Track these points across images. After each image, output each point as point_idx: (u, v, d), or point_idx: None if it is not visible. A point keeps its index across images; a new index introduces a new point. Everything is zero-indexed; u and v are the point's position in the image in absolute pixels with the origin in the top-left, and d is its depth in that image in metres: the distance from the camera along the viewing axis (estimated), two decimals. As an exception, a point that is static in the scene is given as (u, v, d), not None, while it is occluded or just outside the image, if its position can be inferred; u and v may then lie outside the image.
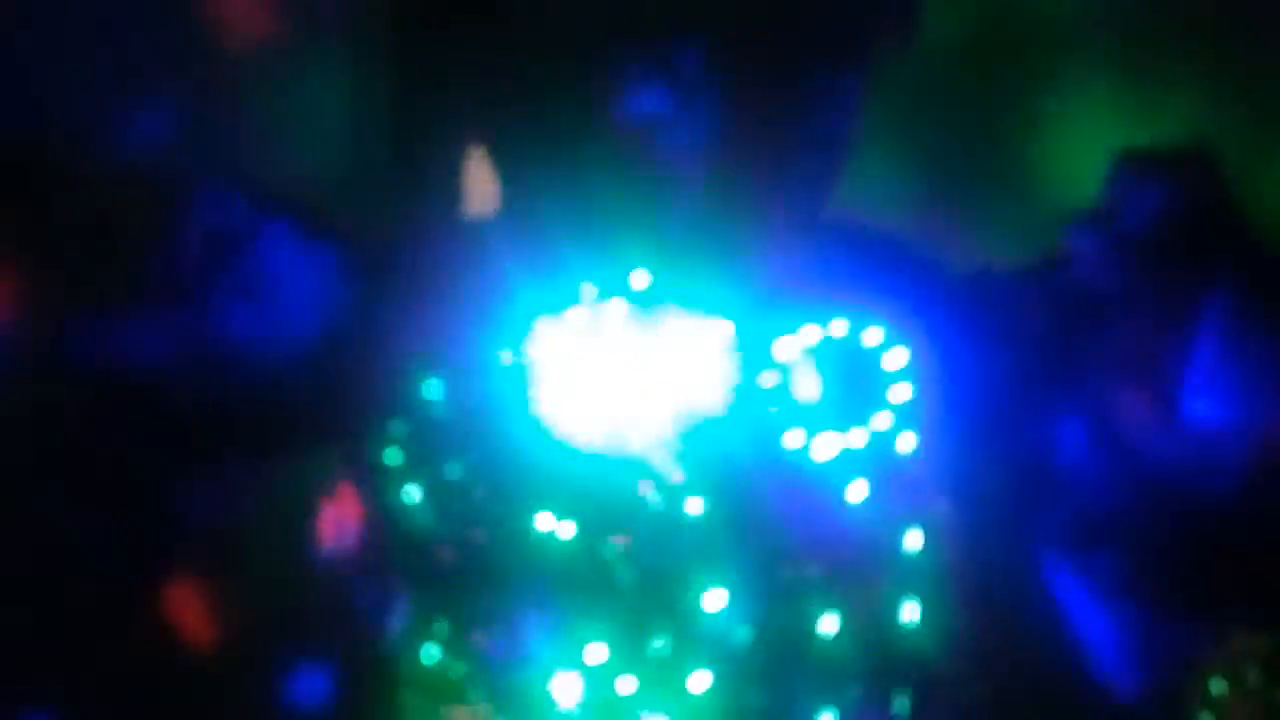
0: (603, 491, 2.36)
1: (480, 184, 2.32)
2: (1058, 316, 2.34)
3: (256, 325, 2.22)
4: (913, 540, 2.39)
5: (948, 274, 2.43)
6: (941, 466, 2.38)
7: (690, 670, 2.34)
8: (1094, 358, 2.31)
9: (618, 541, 2.34)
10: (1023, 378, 2.36)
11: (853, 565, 2.39)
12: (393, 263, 2.29)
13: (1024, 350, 2.36)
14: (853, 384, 2.38)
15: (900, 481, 2.40)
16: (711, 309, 2.35)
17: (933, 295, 2.37)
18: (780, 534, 2.38)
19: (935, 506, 2.40)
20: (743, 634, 2.36)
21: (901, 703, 2.36)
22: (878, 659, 2.37)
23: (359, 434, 2.31)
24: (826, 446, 2.35)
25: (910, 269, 2.39)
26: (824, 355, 2.37)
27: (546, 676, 2.30)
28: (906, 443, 2.40)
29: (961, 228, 2.42)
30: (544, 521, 2.33)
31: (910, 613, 2.37)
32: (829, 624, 2.36)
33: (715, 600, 2.35)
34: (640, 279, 2.35)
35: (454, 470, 2.34)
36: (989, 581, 2.35)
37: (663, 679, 2.33)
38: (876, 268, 2.39)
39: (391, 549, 2.31)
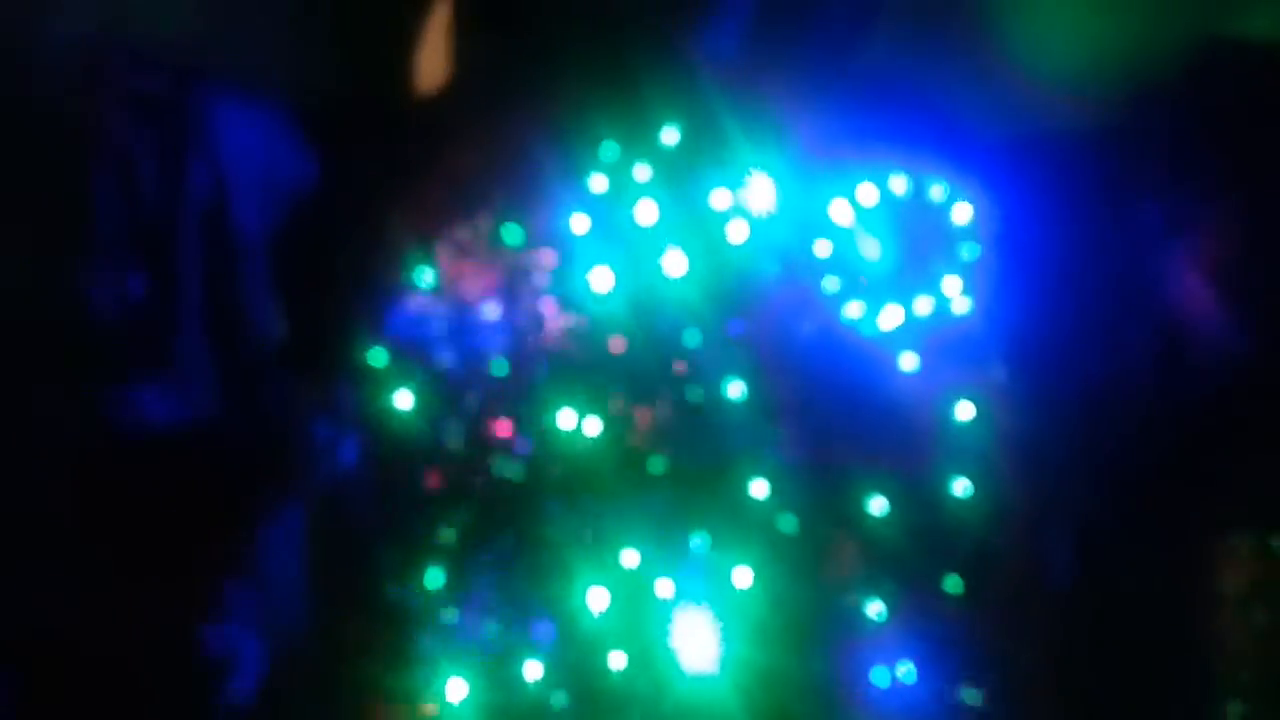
0: (631, 375, 2.08)
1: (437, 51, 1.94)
2: (1118, 186, 2.13)
3: (212, 189, 1.84)
4: (964, 411, 2.19)
5: (999, 137, 2.15)
6: (997, 331, 2.15)
7: (732, 565, 2.14)
8: (1156, 233, 2.13)
9: (647, 429, 2.08)
10: (1082, 244, 2.13)
11: (902, 441, 2.18)
12: (363, 138, 1.91)
13: (1083, 217, 2.13)
14: (915, 245, 2.12)
15: (954, 349, 2.18)
16: (753, 173, 2.04)
17: (985, 156, 2.10)
18: (826, 414, 2.15)
19: (990, 374, 2.19)
20: (786, 522, 2.16)
21: (953, 582, 2.21)
22: (927, 539, 2.21)
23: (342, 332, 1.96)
24: (890, 317, 2.10)
25: (959, 130, 2.10)
26: (882, 216, 2.09)
27: (577, 583, 2.07)
28: (963, 306, 2.16)
29: (1006, 92, 2.12)
30: (566, 419, 2.06)
31: (961, 488, 2.20)
32: (877, 505, 2.18)
33: (758, 488, 2.13)
34: (670, 135, 2.01)
35: (446, 359, 2.03)
36: (1044, 455, 2.17)
37: (704, 577, 2.13)
38: (924, 127, 2.09)
39: (383, 468, 2.01)
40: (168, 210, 1.77)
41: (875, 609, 2.17)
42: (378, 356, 2.00)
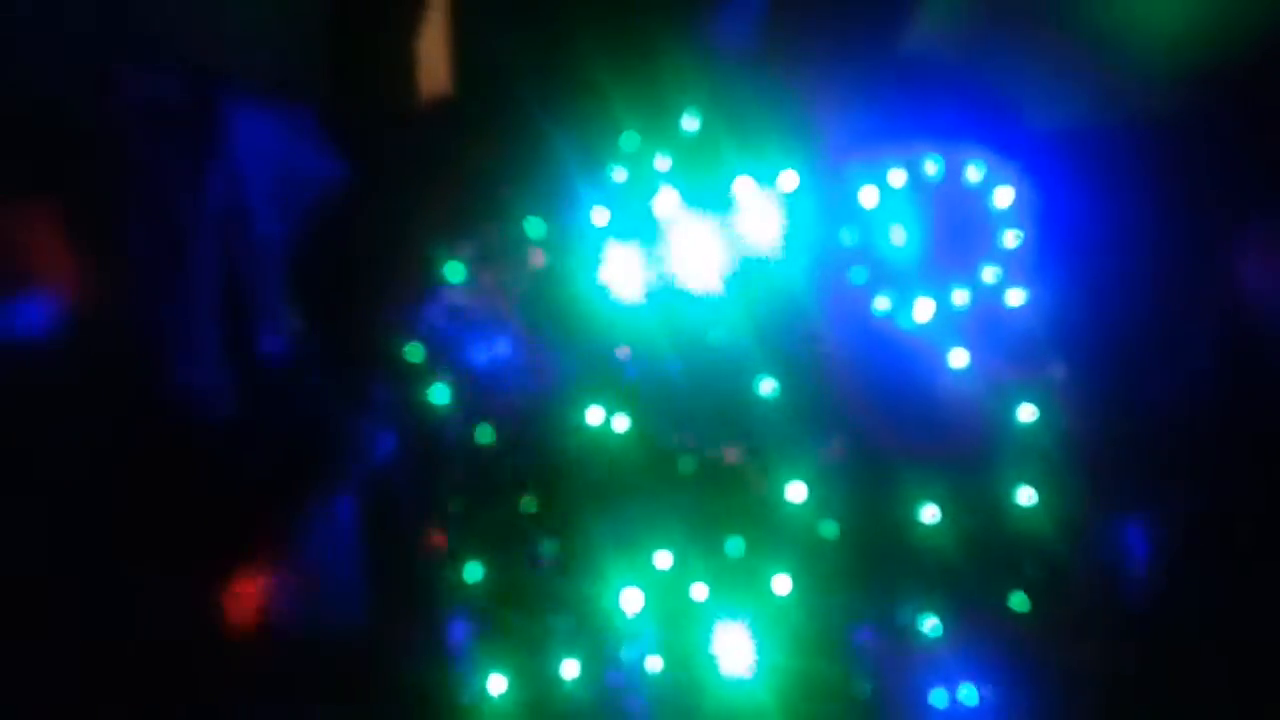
0: (660, 372, 2.06)
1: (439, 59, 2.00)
2: (1184, 176, 1.95)
3: (239, 195, 1.95)
4: (1026, 413, 2.04)
5: (1057, 123, 2.02)
6: (1056, 327, 2.00)
7: (771, 572, 2.06)
8: (1223, 225, 1.94)
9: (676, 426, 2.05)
10: (1147, 236, 1.97)
11: (955, 444, 2.05)
12: (386, 137, 1.99)
13: (1148, 208, 1.96)
14: (951, 233, 2.01)
15: (1009, 345, 2.04)
16: (776, 162, 1.99)
17: (1040, 143, 1.97)
18: (869, 412, 2.05)
19: (1050, 373, 2.04)
20: (829, 529, 2.06)
21: (1019, 599, 2.04)
22: (988, 552, 2.05)
23: (376, 329, 2.03)
24: (923, 309, 1.99)
25: (1009, 115, 1.99)
26: (914, 202, 2.00)
27: (610, 586, 2.04)
28: (1016, 298, 2.02)
29: (1044, 82, 1.99)
30: (595, 415, 2.05)
31: (1026, 497, 2.04)
32: (929, 514, 2.05)
33: (796, 492, 2.05)
34: (690, 122, 1.99)
35: (480, 357, 2.06)
36: (1115, 461, 1.99)
37: (740, 583, 2.06)
38: (969, 109, 1.98)
39: (426, 459, 2.05)
40: (186, 215, 1.88)
41: (930, 624, 2.03)
42: (414, 352, 2.06)
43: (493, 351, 2.05)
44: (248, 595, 2.02)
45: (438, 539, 2.07)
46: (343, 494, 2.05)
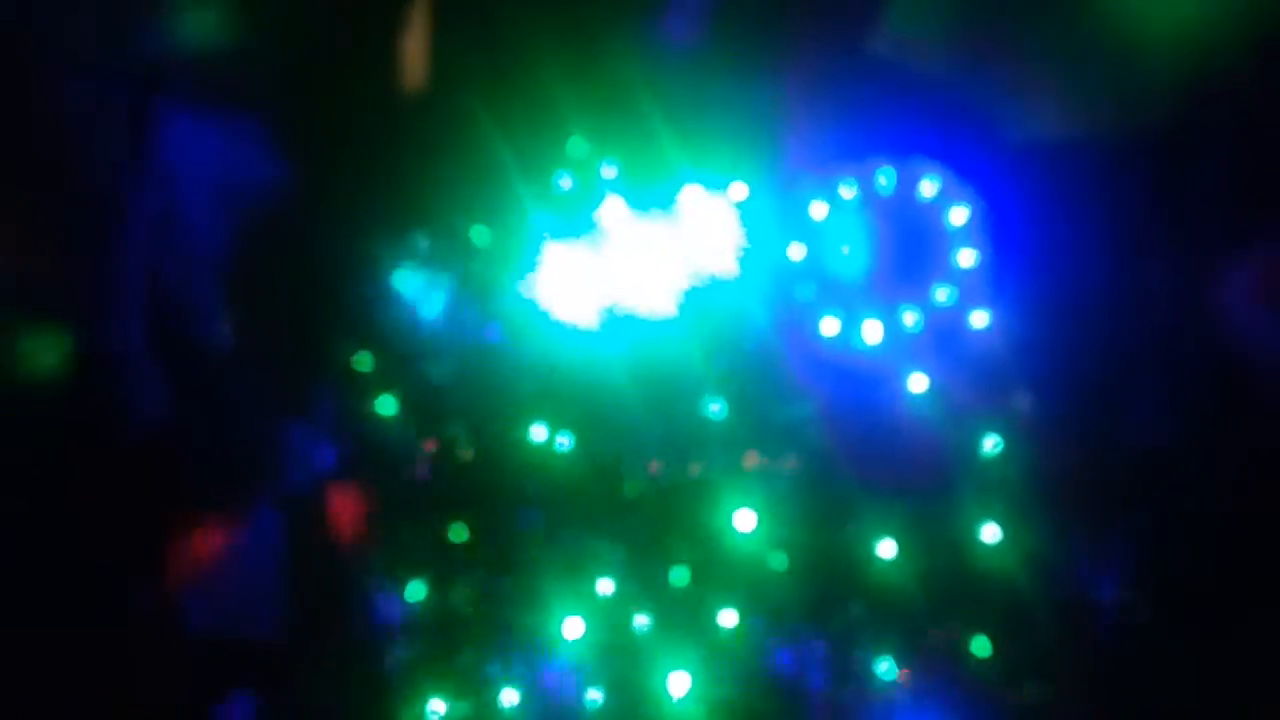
0: (605, 390, 1.99)
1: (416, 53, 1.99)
2: (1171, 194, 1.84)
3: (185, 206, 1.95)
4: (990, 444, 1.91)
5: (1028, 136, 1.92)
6: (1022, 351, 1.89)
7: (717, 605, 1.96)
8: (1213, 246, 1.82)
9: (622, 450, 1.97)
10: (1129, 259, 1.85)
11: (914, 475, 1.93)
12: (334, 141, 1.98)
13: (1129, 229, 1.84)
14: (902, 251, 1.91)
15: (970, 371, 1.92)
16: (725, 174, 1.93)
17: (989, 159, 1.87)
18: (822, 438, 1.95)
19: (1015, 401, 1.91)
20: (777, 560, 1.95)
21: (980, 644, 1.90)
22: (948, 591, 1.92)
23: (322, 336, 2.01)
24: (871, 331, 1.89)
25: (966, 127, 1.89)
26: (866, 217, 1.91)
27: (551, 612, 1.96)
28: (978, 321, 1.91)
29: (1010, 94, 1.89)
30: (538, 432, 1.99)
31: (990, 534, 1.90)
32: (886, 549, 1.92)
33: (744, 520, 1.95)
34: (609, 171, 1.95)
35: (436, 373, 2.02)
36: (1088, 494, 1.85)
37: (684, 614, 1.96)
38: (925, 121, 1.90)
39: (366, 472, 2.01)
40: (116, 218, 1.89)
41: (883, 667, 1.91)
42: (363, 361, 2.03)
43: (441, 363, 2.01)
44: (162, 593, 1.97)
45: (377, 556, 2.02)
46: (267, 502, 2.00)
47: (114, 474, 1.91)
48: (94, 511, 1.89)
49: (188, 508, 1.96)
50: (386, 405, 2.01)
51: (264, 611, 1.99)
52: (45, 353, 1.88)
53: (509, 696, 1.96)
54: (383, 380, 2.02)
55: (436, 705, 1.96)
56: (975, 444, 1.92)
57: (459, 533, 2.00)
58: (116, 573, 1.92)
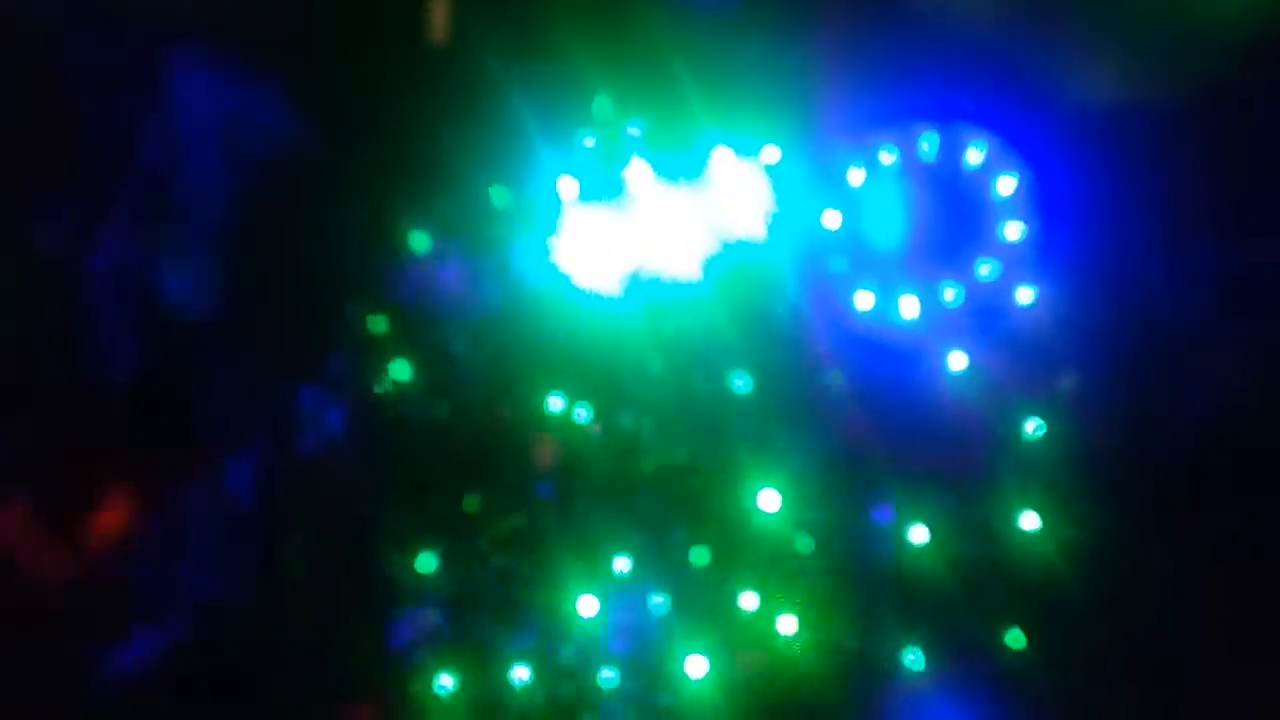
0: (626, 361, 1.90)
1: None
2: (1227, 166, 1.71)
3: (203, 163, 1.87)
4: (1032, 427, 1.81)
5: (1064, 104, 1.78)
6: (1070, 329, 1.78)
7: (738, 587, 1.87)
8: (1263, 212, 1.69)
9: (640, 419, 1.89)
10: (1164, 225, 1.73)
11: (951, 458, 1.84)
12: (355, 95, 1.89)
13: (1164, 195, 1.72)
14: (945, 222, 1.80)
15: (1014, 349, 1.82)
16: (757, 136, 1.82)
17: (1046, 124, 1.75)
18: (854, 416, 1.86)
19: (1061, 382, 1.81)
20: (804, 543, 1.86)
21: (1014, 636, 1.80)
22: (982, 581, 1.82)
23: (336, 298, 1.93)
24: (908, 306, 1.79)
25: (1015, 91, 1.77)
26: (906, 184, 1.79)
27: (565, 589, 1.89)
28: (1024, 297, 1.80)
29: (1073, 53, 1.76)
30: (555, 403, 1.90)
31: (1029, 522, 1.80)
32: (918, 534, 1.83)
33: (768, 500, 1.86)
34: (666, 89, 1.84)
35: (454, 339, 1.94)
36: (1133, 482, 1.75)
37: (703, 595, 1.88)
38: (971, 84, 1.77)
39: (377, 443, 1.93)
40: (115, 169, 1.81)
41: (911, 657, 1.82)
42: (377, 323, 1.95)
43: (458, 328, 1.93)
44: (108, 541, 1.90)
45: (387, 523, 1.95)
46: (244, 465, 1.93)
47: (86, 429, 1.84)
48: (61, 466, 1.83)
49: (143, 459, 1.89)
50: (401, 370, 1.93)
51: (221, 575, 1.91)
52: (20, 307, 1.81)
53: (520, 673, 1.89)
54: (397, 344, 1.94)
55: (445, 680, 1.89)
56: (1016, 427, 1.81)
57: (471, 504, 1.92)
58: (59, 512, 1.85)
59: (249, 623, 1.87)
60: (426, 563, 1.93)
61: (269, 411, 1.91)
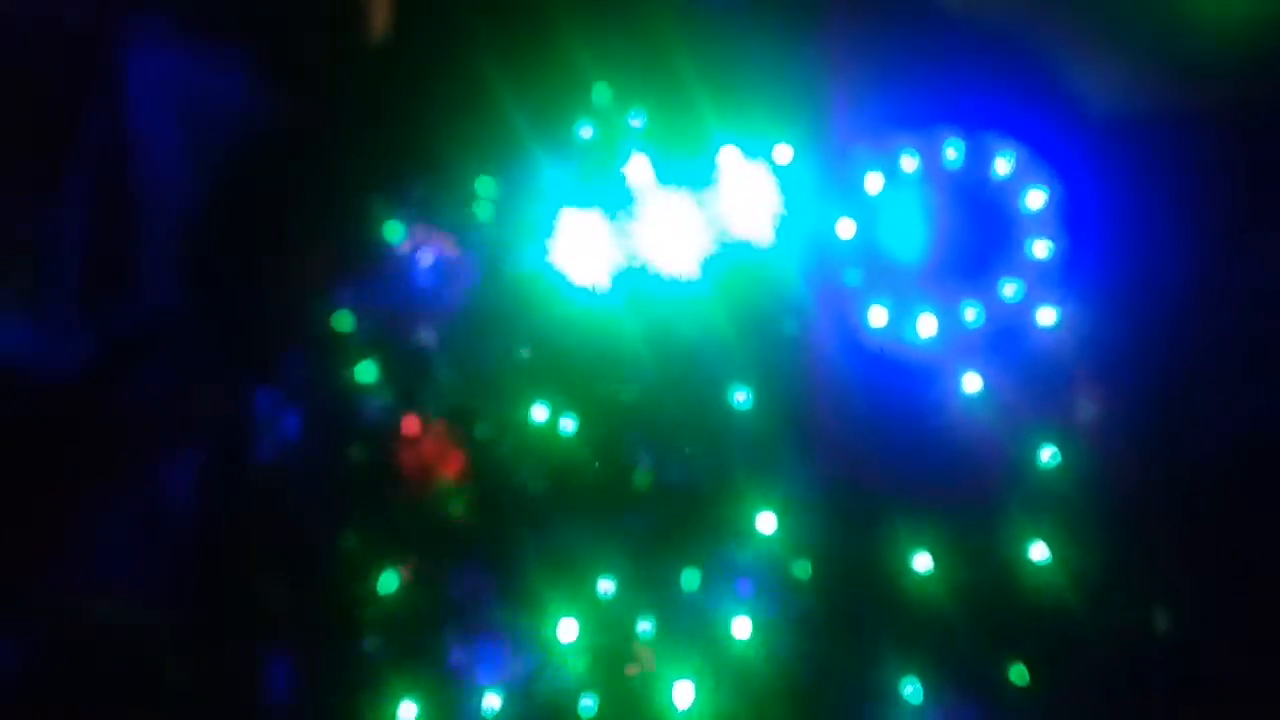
0: (618, 370, 1.77)
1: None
2: (1254, 180, 1.62)
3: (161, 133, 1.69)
4: (1047, 455, 1.72)
5: (1097, 113, 1.68)
6: (1090, 354, 1.69)
7: (729, 613, 1.77)
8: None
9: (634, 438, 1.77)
10: (1197, 247, 1.64)
11: (959, 483, 1.74)
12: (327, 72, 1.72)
13: (1195, 215, 1.63)
14: (968, 236, 1.69)
15: (1031, 373, 1.72)
16: (768, 134, 1.69)
17: (1070, 136, 1.64)
18: (859, 435, 1.75)
19: (1079, 409, 1.72)
20: (801, 569, 1.76)
21: (1018, 672, 1.73)
22: (987, 613, 1.74)
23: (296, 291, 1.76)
24: (926, 324, 1.68)
25: (1047, 98, 1.65)
26: (927, 194, 1.68)
27: (544, 612, 1.77)
28: (1046, 318, 1.70)
29: (1094, 64, 1.65)
30: (538, 413, 1.77)
31: (1038, 553, 1.72)
32: (921, 562, 1.74)
33: (765, 522, 1.75)
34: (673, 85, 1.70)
35: (426, 339, 1.79)
36: (1149, 517, 1.67)
37: (692, 621, 1.77)
38: (1001, 89, 1.66)
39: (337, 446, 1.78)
40: (56, 148, 1.63)
41: (909, 690, 1.73)
42: (342, 320, 1.79)
43: (432, 328, 1.78)
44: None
45: (344, 539, 1.80)
46: (175, 475, 1.77)
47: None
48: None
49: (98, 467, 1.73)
50: (366, 372, 1.78)
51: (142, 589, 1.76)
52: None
53: (490, 701, 1.77)
54: (364, 344, 1.78)
55: (407, 709, 1.76)
56: (1030, 454, 1.72)
57: (441, 520, 1.79)
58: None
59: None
60: (388, 582, 1.79)
61: (217, 413, 1.74)
